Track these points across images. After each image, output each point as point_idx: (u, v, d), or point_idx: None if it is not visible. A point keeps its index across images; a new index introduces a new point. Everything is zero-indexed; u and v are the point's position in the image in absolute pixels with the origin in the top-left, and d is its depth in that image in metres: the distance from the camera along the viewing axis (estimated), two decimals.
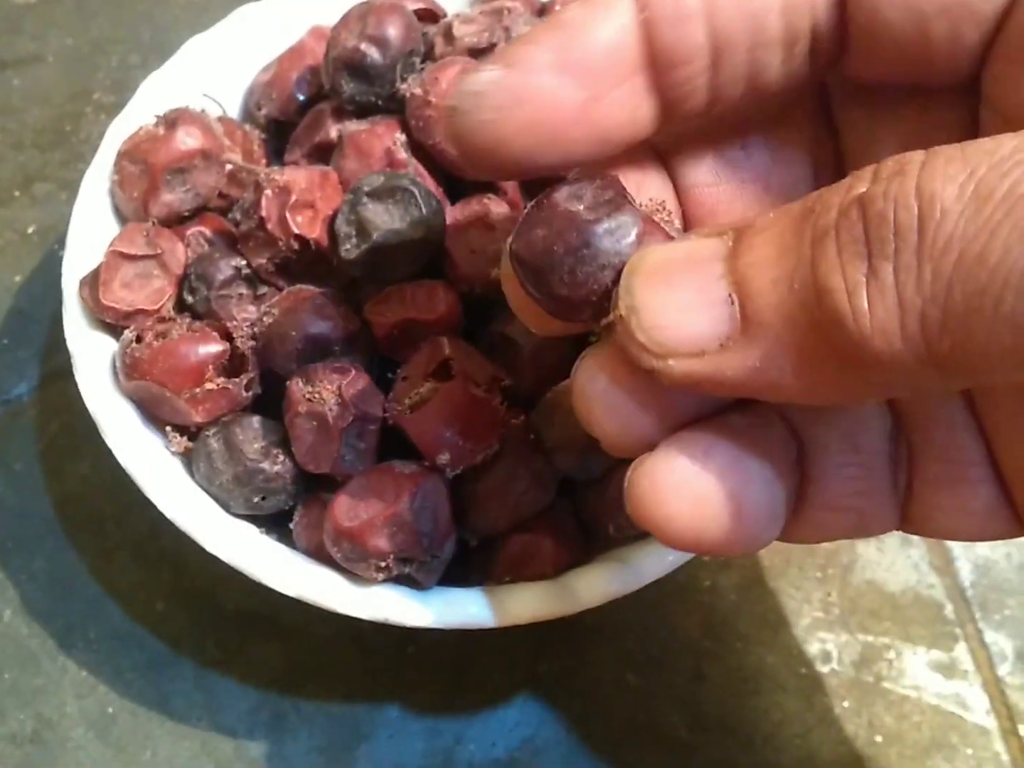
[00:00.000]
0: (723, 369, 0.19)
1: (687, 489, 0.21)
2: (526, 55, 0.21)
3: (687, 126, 0.24)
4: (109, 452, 0.32)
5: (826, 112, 0.25)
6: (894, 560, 0.39)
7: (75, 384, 0.33)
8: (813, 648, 0.37)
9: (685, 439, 0.21)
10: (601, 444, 0.23)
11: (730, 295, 0.19)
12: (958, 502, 0.23)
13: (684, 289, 0.19)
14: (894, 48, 0.21)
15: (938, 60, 0.21)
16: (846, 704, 0.36)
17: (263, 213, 0.32)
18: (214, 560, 0.31)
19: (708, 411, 0.22)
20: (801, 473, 0.23)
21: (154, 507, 0.32)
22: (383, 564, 0.30)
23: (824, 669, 0.37)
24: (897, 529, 0.24)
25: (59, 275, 0.35)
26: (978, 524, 0.23)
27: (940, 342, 0.17)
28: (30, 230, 0.44)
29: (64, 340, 0.34)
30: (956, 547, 0.39)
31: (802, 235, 0.18)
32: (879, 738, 0.36)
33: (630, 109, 0.22)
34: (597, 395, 0.22)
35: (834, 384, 0.19)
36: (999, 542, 0.38)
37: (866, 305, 0.17)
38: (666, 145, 0.24)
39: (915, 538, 0.39)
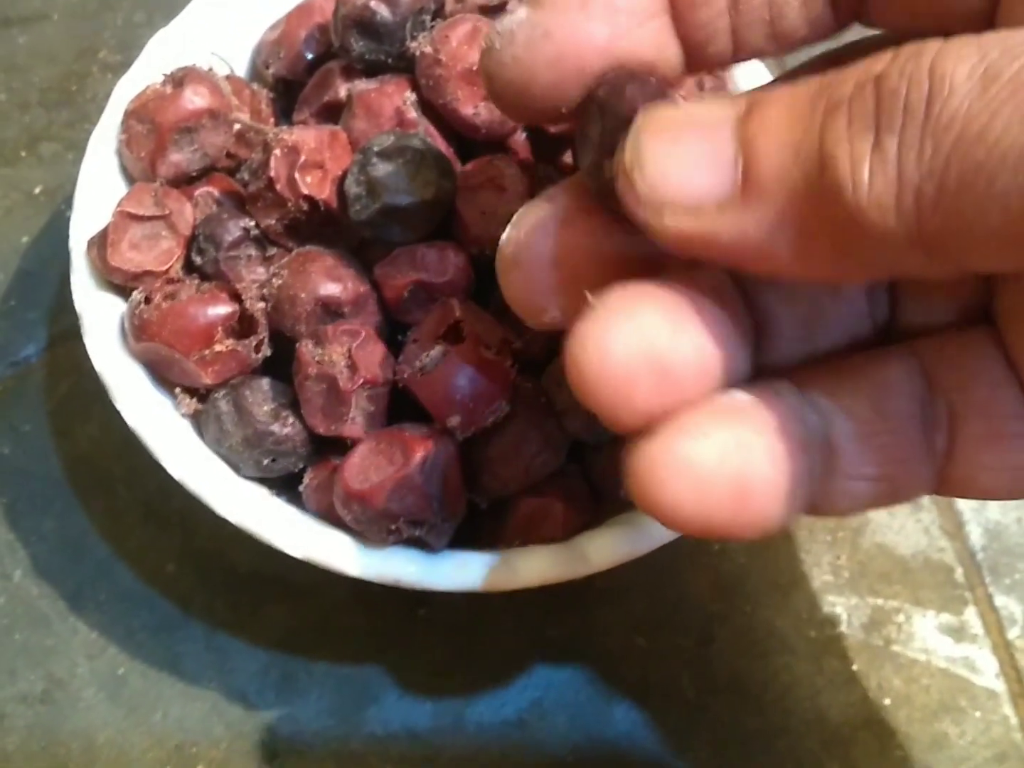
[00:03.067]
0: (717, 230, 0.19)
1: (688, 471, 0.20)
2: None
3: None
4: (118, 414, 0.32)
5: None
6: (904, 524, 0.39)
7: (83, 345, 0.33)
8: (823, 611, 0.37)
9: (684, 420, 0.20)
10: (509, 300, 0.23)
11: (735, 156, 0.19)
12: (1002, 459, 0.23)
13: (691, 146, 0.19)
14: None
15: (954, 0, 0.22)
16: (855, 667, 0.36)
17: (272, 173, 0.32)
18: (224, 522, 0.32)
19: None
20: (828, 444, 0.22)
21: (163, 469, 0.32)
22: (393, 527, 0.30)
23: (833, 632, 0.37)
24: (934, 493, 0.23)
25: (66, 236, 0.34)
26: (1020, 481, 0.23)
27: (931, 219, 0.17)
28: (36, 190, 0.44)
29: (72, 301, 0.34)
30: (966, 511, 0.39)
31: (815, 106, 0.18)
32: (888, 701, 0.36)
33: (656, 48, 0.22)
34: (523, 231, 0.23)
35: (823, 258, 0.19)
36: (1011, 506, 0.39)
37: (867, 177, 0.17)
38: None
39: (925, 502, 0.39)
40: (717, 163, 0.19)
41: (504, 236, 0.24)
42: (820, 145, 0.18)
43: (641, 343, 0.20)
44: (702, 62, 0.23)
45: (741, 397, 0.21)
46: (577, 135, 0.23)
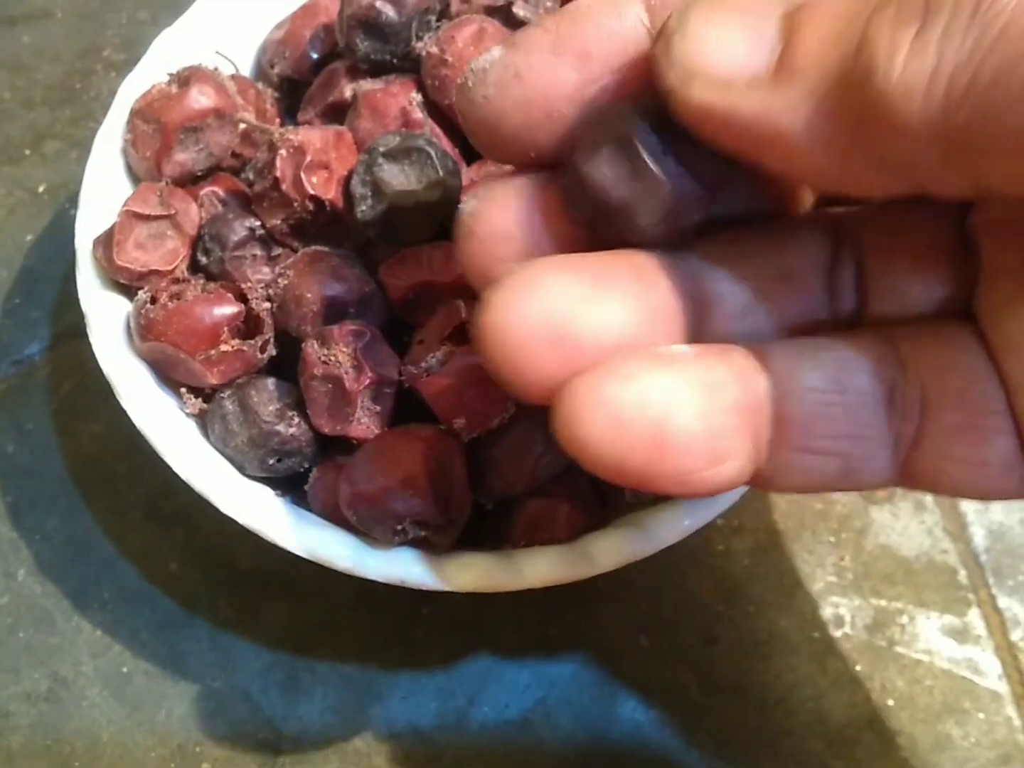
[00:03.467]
0: (741, 105, 0.19)
1: (605, 410, 0.20)
2: (527, 37, 0.22)
3: None
4: (122, 412, 0.32)
5: None
6: (908, 525, 0.39)
7: (87, 343, 0.33)
8: (826, 612, 0.37)
9: (616, 362, 0.20)
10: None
11: (777, 38, 0.19)
12: (973, 452, 0.22)
13: (736, 22, 0.19)
14: None
15: None
16: (858, 668, 0.36)
17: (278, 173, 0.32)
18: (228, 520, 0.32)
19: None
20: (775, 414, 0.22)
21: (167, 467, 0.32)
22: (399, 527, 0.30)
23: (837, 633, 0.37)
24: (894, 485, 0.23)
25: (70, 234, 0.34)
26: (990, 479, 0.22)
27: (958, 111, 0.17)
28: (40, 188, 0.44)
29: (76, 299, 0.34)
30: (970, 512, 0.39)
31: (868, 2, 0.18)
32: (891, 702, 0.36)
33: (631, 95, 0.22)
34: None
35: (839, 151, 0.18)
36: (1014, 507, 0.39)
37: (901, 62, 0.17)
38: None
39: (929, 503, 0.39)
40: (757, 42, 0.19)
41: (464, 205, 0.24)
42: (863, 32, 0.18)
43: (542, 311, 0.20)
44: None
45: (681, 349, 0.21)
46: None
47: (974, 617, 0.37)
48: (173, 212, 0.33)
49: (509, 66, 0.22)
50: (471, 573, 0.31)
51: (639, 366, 0.20)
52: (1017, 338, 0.22)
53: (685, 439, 0.20)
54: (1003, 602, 0.38)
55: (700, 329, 0.23)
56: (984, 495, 0.23)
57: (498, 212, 0.23)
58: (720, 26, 0.19)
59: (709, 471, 0.21)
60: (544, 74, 0.22)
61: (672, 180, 0.21)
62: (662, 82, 0.20)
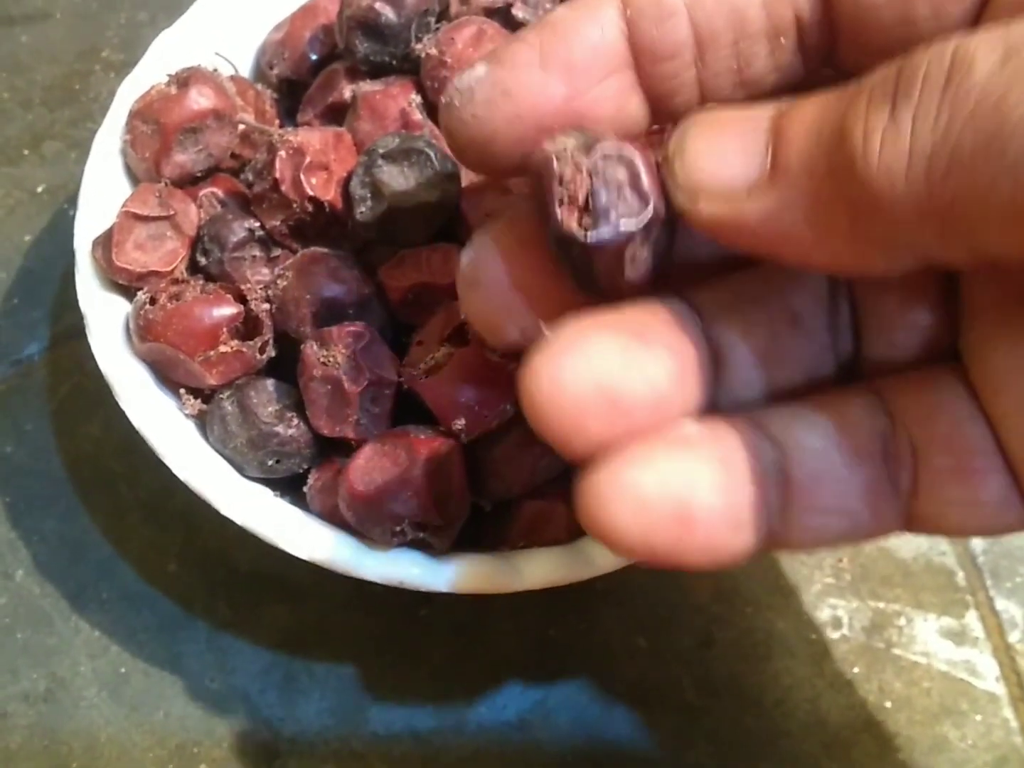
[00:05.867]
0: (745, 213, 0.19)
1: (630, 497, 0.20)
2: (512, 53, 0.22)
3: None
4: (121, 412, 0.32)
5: None
6: None
7: (86, 344, 0.33)
8: (824, 614, 0.37)
9: (631, 449, 0.21)
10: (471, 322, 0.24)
11: (767, 145, 0.19)
12: (968, 494, 0.23)
13: (729, 137, 0.20)
14: (880, 33, 0.22)
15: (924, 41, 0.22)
16: (856, 670, 0.36)
17: (277, 174, 0.32)
18: (226, 521, 0.32)
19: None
20: (783, 478, 0.22)
21: (165, 468, 0.32)
22: (398, 529, 0.30)
23: (835, 635, 0.37)
24: (904, 530, 0.23)
25: (69, 234, 0.34)
26: (990, 517, 0.23)
27: (943, 188, 0.17)
28: (39, 189, 0.44)
29: (75, 300, 0.34)
30: None
31: (842, 96, 0.19)
32: (889, 704, 0.36)
33: (616, 104, 0.22)
34: (484, 267, 0.23)
35: (843, 239, 0.19)
36: None
37: (878, 146, 0.17)
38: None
39: None
40: (750, 152, 0.20)
41: (463, 255, 0.24)
42: (840, 125, 0.18)
43: (592, 374, 0.20)
44: (669, 113, 0.23)
45: (691, 427, 0.21)
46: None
47: (972, 619, 0.37)
48: (172, 213, 0.33)
49: (496, 83, 0.22)
50: (469, 574, 0.31)
51: (657, 450, 0.21)
52: (999, 374, 0.22)
53: (709, 515, 0.21)
54: (1001, 604, 0.38)
55: (717, 382, 0.23)
56: (987, 532, 0.24)
57: (498, 263, 0.23)
58: (715, 143, 0.20)
59: (734, 542, 0.21)
60: (533, 89, 0.22)
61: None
62: (673, 202, 0.20)
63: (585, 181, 0.21)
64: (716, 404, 0.23)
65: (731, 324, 0.23)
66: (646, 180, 0.21)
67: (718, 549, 0.21)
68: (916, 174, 0.17)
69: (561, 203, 0.21)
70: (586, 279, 0.21)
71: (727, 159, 0.20)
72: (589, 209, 0.21)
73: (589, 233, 0.21)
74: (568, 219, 0.21)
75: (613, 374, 0.21)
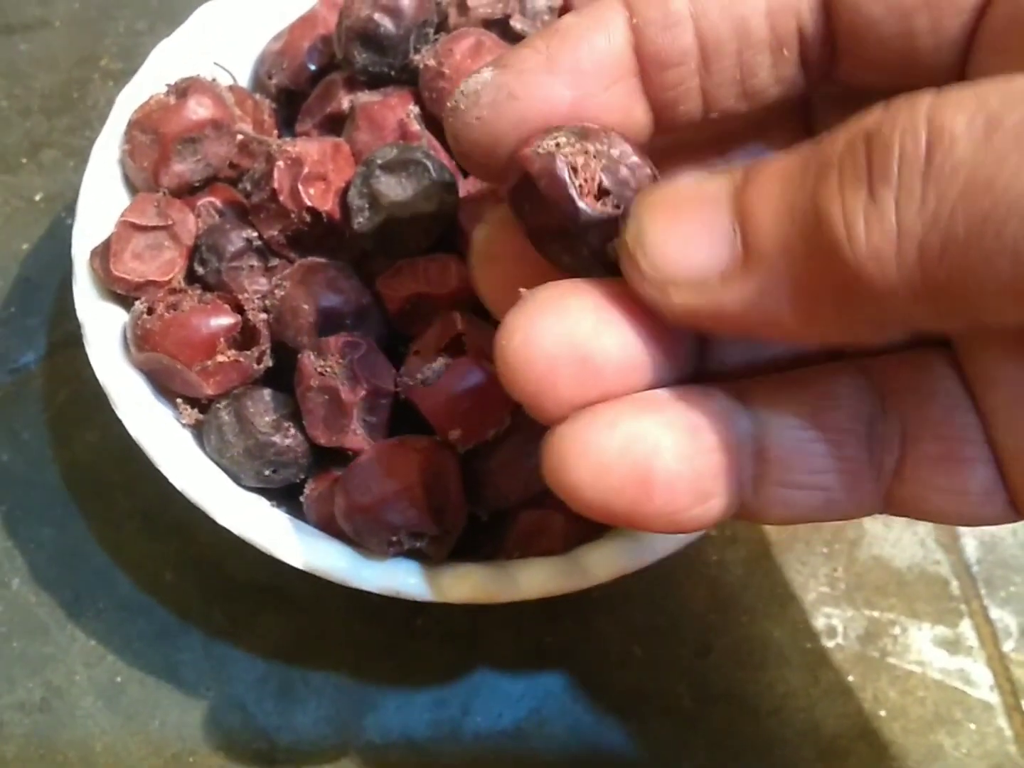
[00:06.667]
0: (722, 301, 0.19)
1: (590, 457, 0.20)
2: (519, 58, 0.22)
3: (682, 134, 0.24)
4: (117, 421, 0.32)
5: (811, 124, 0.25)
6: (900, 536, 0.39)
7: (83, 353, 0.33)
8: (819, 623, 0.37)
9: (601, 410, 0.21)
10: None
11: (733, 227, 0.19)
12: (953, 482, 0.23)
13: (690, 220, 0.20)
14: (880, 46, 0.22)
15: (923, 55, 0.22)
16: (851, 678, 0.36)
17: (275, 185, 0.32)
18: (223, 530, 0.32)
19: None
20: (759, 450, 0.22)
21: (162, 477, 0.32)
22: (394, 539, 0.30)
23: (829, 644, 0.37)
24: (881, 512, 0.23)
25: (66, 243, 0.34)
26: (972, 507, 0.23)
27: (937, 271, 0.17)
28: (37, 197, 0.44)
29: (72, 309, 0.34)
30: None
31: (807, 169, 0.18)
32: (883, 712, 0.36)
33: (622, 110, 0.23)
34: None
35: (831, 319, 0.19)
36: None
37: (863, 231, 0.17)
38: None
39: None
40: (716, 236, 0.19)
41: (477, 231, 0.24)
42: (814, 205, 0.18)
43: (564, 335, 0.21)
44: (672, 122, 0.23)
45: (661, 393, 0.21)
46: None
47: (966, 628, 0.37)
48: (170, 223, 0.33)
49: (503, 87, 0.22)
50: (466, 584, 0.31)
51: (622, 412, 0.21)
52: (991, 370, 0.22)
53: (670, 480, 0.21)
54: (995, 613, 0.38)
55: (702, 351, 0.23)
56: (968, 521, 0.24)
57: (513, 235, 0.23)
58: (675, 229, 0.20)
59: (696, 509, 0.21)
60: (539, 93, 0.22)
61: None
62: (640, 294, 0.20)
63: (595, 164, 0.21)
64: (701, 373, 0.23)
65: None
66: (640, 155, 0.21)
67: (678, 515, 0.21)
68: (908, 258, 0.17)
69: (581, 192, 0.21)
70: (597, 264, 0.22)
71: (692, 247, 0.19)
72: (603, 192, 0.21)
73: (620, 208, 0.21)
74: (593, 203, 0.21)
75: (586, 334, 0.21)
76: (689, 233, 0.20)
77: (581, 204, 0.21)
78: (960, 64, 0.22)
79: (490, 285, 0.24)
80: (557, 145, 0.21)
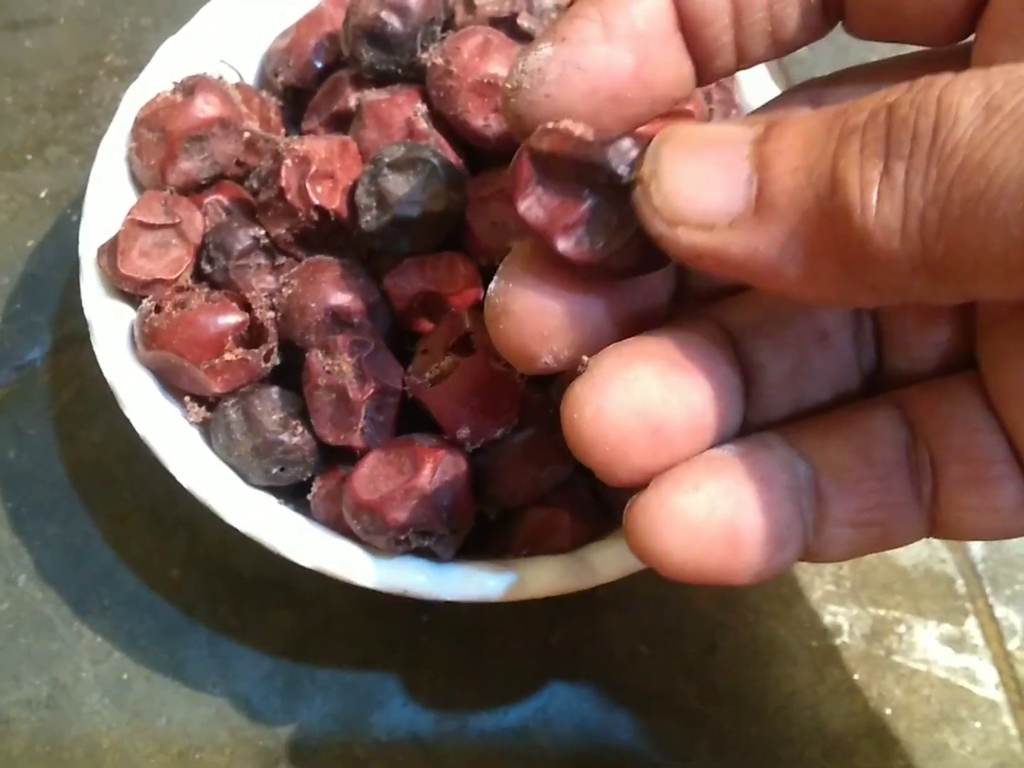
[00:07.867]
0: (728, 246, 0.19)
1: (680, 522, 0.21)
2: (576, 29, 0.22)
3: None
4: (123, 418, 0.32)
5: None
6: None
7: (89, 350, 0.33)
8: (825, 621, 0.37)
9: (677, 474, 0.21)
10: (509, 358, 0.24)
11: (750, 176, 0.19)
12: (985, 501, 0.23)
13: (708, 163, 0.20)
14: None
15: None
16: (856, 677, 0.37)
17: (283, 183, 0.32)
18: (228, 527, 0.32)
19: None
20: (816, 493, 0.23)
21: (169, 474, 0.32)
22: (402, 537, 0.30)
23: (835, 642, 0.37)
24: (928, 537, 0.24)
25: (72, 240, 0.34)
26: (1007, 522, 0.23)
27: (935, 245, 0.17)
28: (42, 194, 0.44)
29: (77, 306, 0.34)
30: None
31: (831, 132, 0.19)
32: (889, 711, 0.36)
33: (674, 68, 0.23)
34: (520, 295, 0.23)
35: (831, 279, 0.19)
36: None
37: (875, 201, 0.18)
38: None
39: None
40: (732, 181, 0.19)
41: (492, 285, 0.24)
42: (833, 168, 0.18)
43: (634, 403, 0.21)
44: (709, 75, 0.24)
45: (730, 449, 0.22)
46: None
47: (971, 626, 0.37)
48: (177, 221, 0.33)
49: (568, 61, 0.22)
50: (474, 583, 0.31)
51: (700, 474, 0.21)
52: (1014, 383, 0.23)
53: (755, 536, 0.21)
54: (1000, 611, 0.38)
55: (748, 402, 0.24)
56: (1005, 536, 0.24)
57: (528, 290, 0.23)
58: (693, 168, 0.20)
59: (776, 559, 0.22)
60: (604, 62, 0.22)
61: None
62: (648, 228, 0.20)
63: (631, 142, 0.21)
64: (748, 423, 0.23)
65: (761, 344, 0.24)
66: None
67: (762, 567, 0.22)
68: (911, 231, 0.17)
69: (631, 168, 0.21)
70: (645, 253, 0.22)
71: (708, 187, 0.20)
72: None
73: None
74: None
75: (655, 402, 0.21)
76: (705, 175, 0.20)
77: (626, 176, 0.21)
78: (971, 17, 0.22)
79: (509, 339, 0.24)
80: (589, 130, 0.22)
